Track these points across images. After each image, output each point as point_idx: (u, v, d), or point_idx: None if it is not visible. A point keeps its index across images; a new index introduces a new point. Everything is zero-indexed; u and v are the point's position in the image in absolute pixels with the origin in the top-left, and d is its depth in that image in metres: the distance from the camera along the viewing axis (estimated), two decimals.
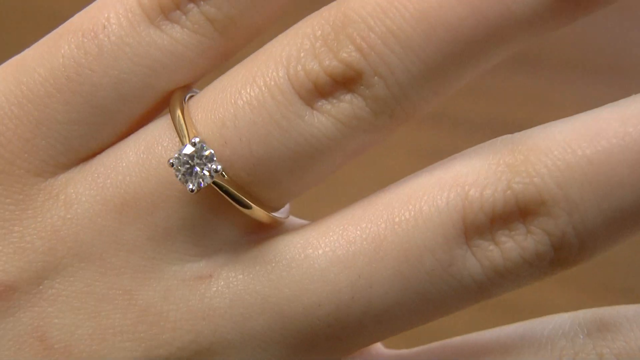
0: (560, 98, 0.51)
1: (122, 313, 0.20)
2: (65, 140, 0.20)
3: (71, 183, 0.20)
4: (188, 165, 0.19)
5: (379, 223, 0.19)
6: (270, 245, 0.20)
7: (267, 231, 0.20)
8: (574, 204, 0.18)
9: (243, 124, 0.19)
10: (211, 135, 0.19)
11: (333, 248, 0.19)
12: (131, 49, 0.20)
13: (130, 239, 0.20)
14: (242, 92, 0.19)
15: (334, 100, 0.19)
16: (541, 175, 0.18)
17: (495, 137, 0.20)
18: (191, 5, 0.20)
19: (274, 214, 0.20)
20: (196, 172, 0.19)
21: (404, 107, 0.19)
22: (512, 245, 0.19)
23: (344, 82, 0.19)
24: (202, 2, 0.20)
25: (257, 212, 0.20)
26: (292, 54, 0.19)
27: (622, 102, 0.19)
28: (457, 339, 0.22)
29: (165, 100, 0.20)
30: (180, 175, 0.19)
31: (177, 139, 0.20)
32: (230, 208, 0.20)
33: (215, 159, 0.19)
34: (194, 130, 0.19)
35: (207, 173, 0.19)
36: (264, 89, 0.19)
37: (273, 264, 0.20)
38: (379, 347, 0.23)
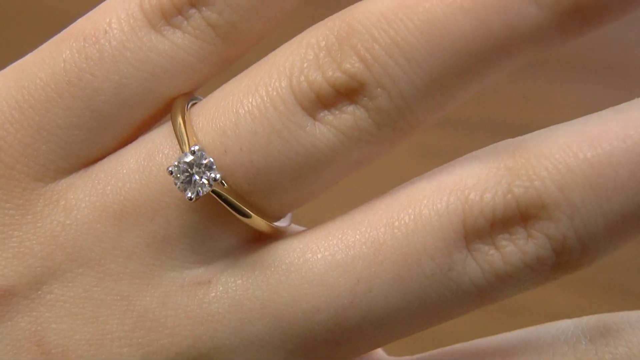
0: (561, 98, 0.51)
1: (120, 319, 0.20)
2: (66, 145, 0.20)
3: (71, 189, 0.20)
4: (187, 174, 0.19)
5: (379, 227, 0.19)
6: (269, 250, 0.20)
7: (267, 240, 0.20)
8: (575, 208, 0.18)
9: (244, 133, 0.19)
10: (211, 143, 0.19)
11: (332, 252, 0.19)
12: (132, 54, 0.20)
13: (129, 246, 0.20)
14: (244, 101, 0.19)
15: (336, 112, 0.19)
16: (542, 179, 0.18)
17: (497, 137, 0.20)
18: (193, 10, 0.20)
19: (275, 223, 0.20)
20: (195, 181, 0.19)
21: (407, 119, 0.19)
22: (513, 249, 0.19)
23: (347, 93, 0.19)
24: (203, 8, 0.20)
25: (257, 221, 0.20)
26: (295, 64, 0.19)
27: (623, 105, 0.19)
28: (458, 346, 0.21)
29: (167, 107, 0.20)
30: (179, 184, 0.19)
31: (178, 147, 0.19)
32: (230, 216, 0.20)
33: (214, 167, 0.19)
34: (194, 138, 0.19)
35: (205, 181, 0.19)
36: (265, 98, 0.19)
37: (272, 269, 0.20)
38: (380, 353, 0.23)
